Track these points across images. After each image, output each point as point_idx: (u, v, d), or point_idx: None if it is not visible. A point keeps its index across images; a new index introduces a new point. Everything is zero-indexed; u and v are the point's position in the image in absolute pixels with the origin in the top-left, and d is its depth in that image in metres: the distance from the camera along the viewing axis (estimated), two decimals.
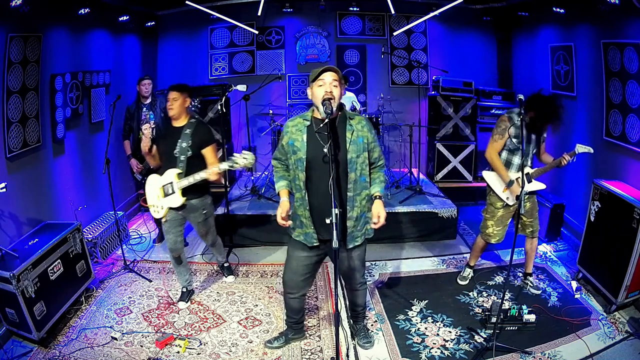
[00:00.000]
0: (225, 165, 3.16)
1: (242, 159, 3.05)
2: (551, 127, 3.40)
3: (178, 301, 3.76)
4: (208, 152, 3.42)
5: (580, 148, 3.38)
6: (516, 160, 3.49)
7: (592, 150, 3.41)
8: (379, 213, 2.67)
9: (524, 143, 3.26)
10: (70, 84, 4.38)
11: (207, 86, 6.12)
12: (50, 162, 4.17)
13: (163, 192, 3.43)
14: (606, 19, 3.98)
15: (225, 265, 4.19)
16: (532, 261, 3.85)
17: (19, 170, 3.68)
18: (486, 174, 3.66)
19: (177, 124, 3.45)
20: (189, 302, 3.74)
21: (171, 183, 3.37)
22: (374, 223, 2.68)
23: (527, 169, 3.52)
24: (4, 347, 3.16)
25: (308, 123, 2.65)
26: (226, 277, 4.14)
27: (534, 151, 3.52)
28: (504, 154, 3.53)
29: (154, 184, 3.51)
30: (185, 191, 3.39)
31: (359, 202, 2.70)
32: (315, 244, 2.73)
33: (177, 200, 3.38)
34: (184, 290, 3.77)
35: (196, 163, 3.37)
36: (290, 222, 2.73)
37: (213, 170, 3.25)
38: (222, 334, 3.36)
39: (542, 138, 3.52)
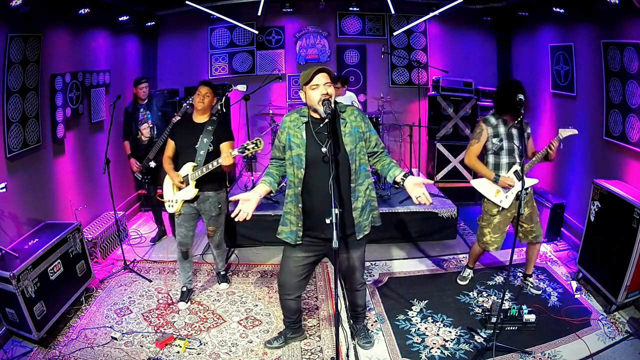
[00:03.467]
0: (235, 152, 3.17)
1: (252, 144, 3.08)
2: (517, 113, 3.19)
3: (178, 301, 3.76)
4: (225, 146, 3.47)
5: (564, 132, 3.27)
6: (504, 160, 3.46)
7: (576, 132, 3.26)
8: (417, 182, 2.50)
9: (523, 145, 3.26)
10: (70, 84, 4.38)
11: None
12: (50, 162, 4.17)
13: (178, 186, 3.51)
14: (606, 19, 3.98)
15: (222, 272, 4.09)
16: (533, 264, 3.83)
17: (19, 170, 3.68)
18: (475, 182, 3.63)
19: (199, 119, 3.52)
20: (189, 302, 3.74)
21: (187, 176, 3.45)
22: (417, 198, 2.46)
23: (516, 167, 3.45)
24: (4, 347, 3.16)
25: (305, 120, 2.64)
26: (219, 284, 4.05)
27: (521, 147, 3.39)
28: (491, 158, 3.50)
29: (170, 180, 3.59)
30: (201, 183, 3.45)
31: (362, 191, 2.71)
32: (299, 242, 2.73)
33: (190, 192, 3.45)
34: (184, 289, 3.76)
35: (214, 158, 3.39)
36: (241, 215, 2.52)
37: (225, 155, 3.27)
38: (222, 334, 3.36)
39: (526, 134, 3.42)
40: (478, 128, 3.49)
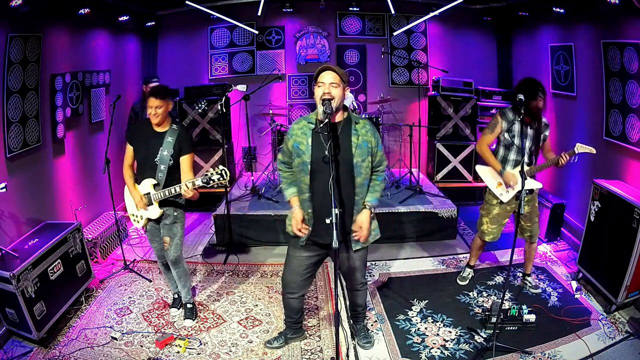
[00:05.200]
0: (199, 182, 2.93)
1: (218, 176, 2.85)
2: (535, 108, 3.26)
3: (170, 307, 3.68)
4: (184, 161, 3.22)
5: (581, 148, 3.27)
6: (512, 156, 3.47)
7: (594, 151, 3.27)
8: (361, 224, 2.65)
9: (523, 142, 3.26)
10: (70, 84, 4.38)
11: (207, 86, 6.13)
12: (50, 162, 4.17)
13: (141, 207, 3.29)
14: (606, 19, 3.98)
15: (189, 305, 3.55)
16: (532, 263, 3.84)
17: (19, 170, 3.68)
18: (479, 169, 3.65)
19: (159, 129, 3.24)
20: (181, 309, 3.65)
21: (148, 194, 3.23)
22: (354, 232, 2.66)
23: (524, 166, 3.45)
24: (4, 347, 3.16)
25: (312, 126, 2.64)
26: (184, 320, 3.50)
27: (532, 148, 3.43)
28: (501, 151, 3.52)
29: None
30: (162, 202, 3.24)
31: None
32: (302, 244, 2.75)
33: (155, 211, 3.24)
34: (176, 296, 3.69)
35: (175, 172, 3.22)
36: (305, 229, 2.68)
37: (187, 186, 3.02)
38: (222, 334, 3.36)
39: (542, 136, 3.44)
40: (494, 119, 3.48)
